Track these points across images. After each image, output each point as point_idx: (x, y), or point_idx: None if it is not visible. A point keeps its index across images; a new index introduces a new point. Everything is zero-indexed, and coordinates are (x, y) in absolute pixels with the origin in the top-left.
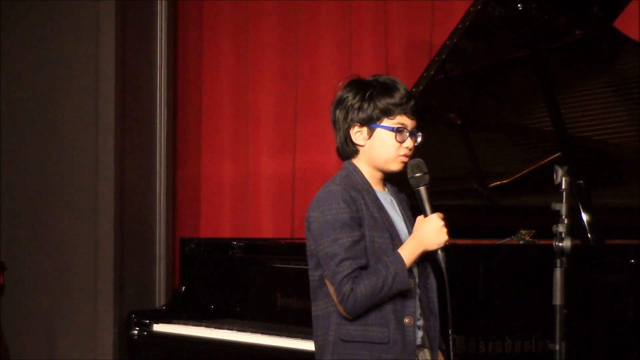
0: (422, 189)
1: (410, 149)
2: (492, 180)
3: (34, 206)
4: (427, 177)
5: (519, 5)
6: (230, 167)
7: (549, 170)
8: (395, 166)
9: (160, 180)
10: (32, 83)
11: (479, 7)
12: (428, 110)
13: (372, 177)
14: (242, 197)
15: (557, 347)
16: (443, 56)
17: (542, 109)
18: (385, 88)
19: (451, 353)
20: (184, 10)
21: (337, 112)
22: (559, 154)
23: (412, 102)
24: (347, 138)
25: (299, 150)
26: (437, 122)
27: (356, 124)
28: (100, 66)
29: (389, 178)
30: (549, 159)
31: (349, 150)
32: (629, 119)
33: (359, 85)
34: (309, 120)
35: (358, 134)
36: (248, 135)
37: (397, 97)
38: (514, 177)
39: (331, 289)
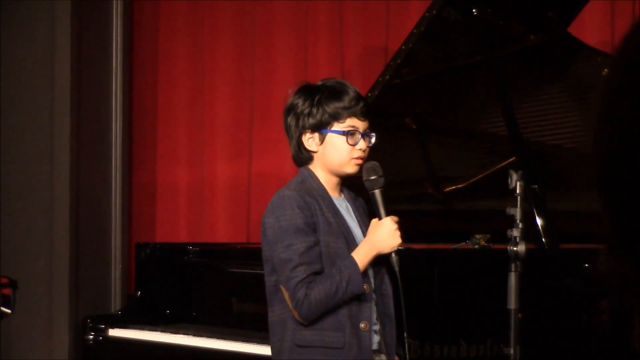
0: (377, 192)
1: (364, 151)
2: (447, 184)
3: None
4: (382, 180)
5: (474, 10)
6: (186, 172)
7: (504, 175)
8: (350, 169)
9: (116, 185)
10: None
11: (435, 12)
12: (383, 115)
13: (328, 183)
14: (197, 202)
15: (512, 351)
16: (398, 61)
17: (497, 114)
18: (334, 92)
19: (407, 357)
20: (140, 17)
21: (289, 119)
22: (513, 158)
23: (361, 104)
24: (300, 145)
25: (254, 155)
26: (392, 126)
27: (307, 130)
28: (56, 71)
29: (347, 184)
30: (504, 163)
31: (303, 157)
32: (584, 124)
33: (307, 91)
34: (264, 125)
35: (310, 140)
36: (204, 140)
37: (345, 101)
38: (469, 182)
39: (286, 295)
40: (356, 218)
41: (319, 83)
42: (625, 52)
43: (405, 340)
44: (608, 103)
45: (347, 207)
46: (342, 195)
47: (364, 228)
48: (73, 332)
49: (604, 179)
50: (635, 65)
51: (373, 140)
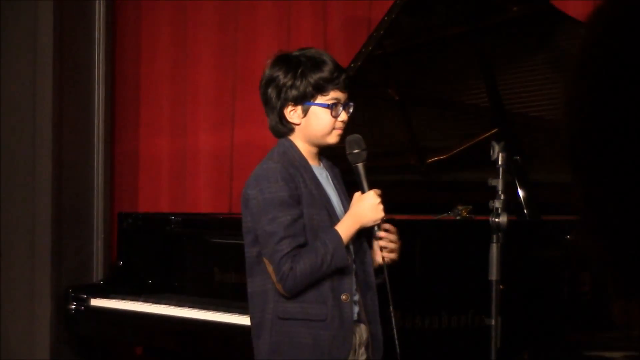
0: (360, 166)
1: (344, 122)
2: (429, 156)
3: None
4: (364, 153)
5: None
6: (169, 142)
7: (486, 146)
8: (332, 139)
9: (98, 155)
10: None
11: None
12: (366, 86)
13: (308, 153)
14: (180, 172)
15: (493, 322)
16: (381, 32)
17: (479, 85)
18: (315, 63)
19: (394, 330)
20: None
21: (269, 91)
22: (496, 130)
23: (343, 76)
24: (282, 117)
25: (237, 125)
26: (375, 98)
27: (290, 103)
28: (39, 41)
29: (324, 152)
30: (486, 135)
31: (283, 129)
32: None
33: (288, 63)
34: (247, 95)
35: (292, 113)
36: (186, 110)
37: (327, 72)
38: (451, 153)
39: (269, 268)
40: (335, 187)
41: (297, 53)
42: (595, 27)
43: (392, 312)
44: (578, 76)
45: (326, 176)
46: (321, 164)
47: (343, 197)
48: (55, 302)
49: (574, 153)
50: (603, 41)
51: (351, 110)
